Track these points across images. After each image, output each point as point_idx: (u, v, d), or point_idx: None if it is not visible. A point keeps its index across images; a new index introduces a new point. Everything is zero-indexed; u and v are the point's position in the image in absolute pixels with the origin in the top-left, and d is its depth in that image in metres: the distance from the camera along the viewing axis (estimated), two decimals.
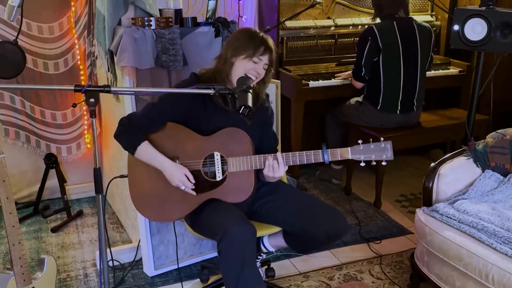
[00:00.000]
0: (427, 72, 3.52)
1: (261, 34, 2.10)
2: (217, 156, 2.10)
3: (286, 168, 2.10)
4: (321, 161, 2.04)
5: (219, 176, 2.11)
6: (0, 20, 3.05)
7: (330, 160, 2.04)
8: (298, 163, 2.07)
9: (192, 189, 2.09)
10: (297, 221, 2.14)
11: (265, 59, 2.07)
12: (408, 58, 3.26)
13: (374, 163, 2.05)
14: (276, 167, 2.05)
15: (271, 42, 2.10)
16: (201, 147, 2.10)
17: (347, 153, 2.04)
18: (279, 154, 2.06)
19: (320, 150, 2.04)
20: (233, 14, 3.70)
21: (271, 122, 2.31)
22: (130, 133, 2.08)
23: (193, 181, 2.08)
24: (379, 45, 3.20)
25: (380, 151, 2.04)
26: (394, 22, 3.24)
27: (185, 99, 2.10)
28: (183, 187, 2.08)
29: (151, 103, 2.19)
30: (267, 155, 2.06)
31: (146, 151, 2.07)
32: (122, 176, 2.22)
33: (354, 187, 3.65)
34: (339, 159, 2.05)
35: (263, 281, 2.05)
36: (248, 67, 2.05)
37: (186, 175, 2.07)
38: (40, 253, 2.89)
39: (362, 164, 2.05)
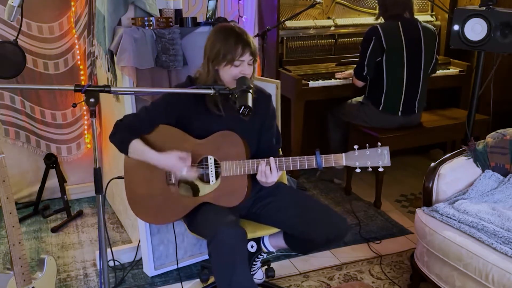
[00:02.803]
0: None
1: (234, 32, 2.00)
2: (210, 160, 2.09)
3: (280, 173, 2.06)
4: (315, 167, 1.98)
5: (212, 180, 2.10)
6: (0, 20, 3.05)
7: (323, 166, 1.97)
8: (291, 169, 2.02)
9: (189, 191, 2.09)
10: (297, 224, 2.13)
11: (246, 57, 2.01)
12: (412, 59, 3.24)
13: (370, 169, 1.97)
14: (268, 173, 2.01)
15: (246, 36, 2.01)
16: (195, 150, 2.08)
17: (341, 159, 1.97)
18: (272, 159, 2.01)
19: (314, 156, 1.97)
20: (233, 14, 3.70)
21: (271, 123, 2.26)
22: (122, 133, 2.08)
23: (189, 158, 2.03)
24: (383, 45, 3.19)
25: (377, 157, 1.95)
26: (399, 23, 3.22)
27: (178, 102, 2.09)
28: (185, 171, 2.02)
29: (145, 106, 2.19)
30: (260, 160, 2.02)
31: (137, 148, 2.06)
32: (120, 177, 2.22)
33: (354, 187, 3.65)
34: (333, 165, 1.98)
35: (255, 284, 2.02)
36: (234, 73, 2.00)
37: (180, 157, 2.02)
38: (40, 253, 2.89)
39: (358, 170, 1.97)
